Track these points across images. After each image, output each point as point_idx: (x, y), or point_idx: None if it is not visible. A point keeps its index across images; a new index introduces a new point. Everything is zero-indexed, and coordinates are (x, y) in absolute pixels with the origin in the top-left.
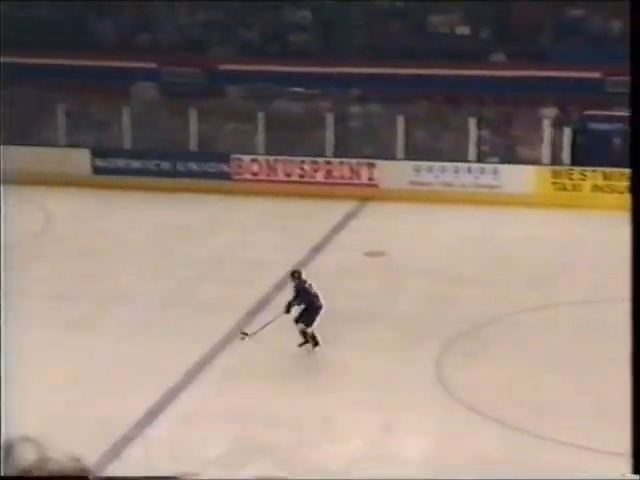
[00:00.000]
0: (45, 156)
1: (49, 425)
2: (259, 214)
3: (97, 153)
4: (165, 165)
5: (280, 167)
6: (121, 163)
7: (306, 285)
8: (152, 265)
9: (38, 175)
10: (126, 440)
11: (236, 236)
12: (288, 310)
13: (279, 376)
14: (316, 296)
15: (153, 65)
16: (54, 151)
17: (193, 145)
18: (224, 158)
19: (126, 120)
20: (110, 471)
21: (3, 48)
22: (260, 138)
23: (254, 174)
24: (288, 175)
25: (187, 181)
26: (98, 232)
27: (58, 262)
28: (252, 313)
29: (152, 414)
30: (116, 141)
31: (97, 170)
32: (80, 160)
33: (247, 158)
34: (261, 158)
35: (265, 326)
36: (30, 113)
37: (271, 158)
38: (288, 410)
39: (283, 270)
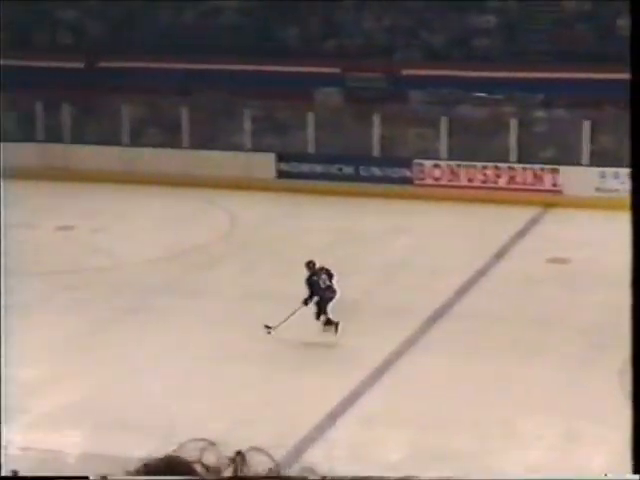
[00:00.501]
0: (231, 160)
1: (234, 426)
2: (440, 219)
3: (282, 157)
4: (348, 170)
5: (462, 172)
6: (305, 167)
7: (316, 277)
8: (333, 269)
9: (224, 179)
10: (307, 442)
11: (417, 241)
12: (306, 303)
13: (455, 381)
14: (328, 287)
15: (337, 70)
16: (240, 155)
17: (376, 150)
18: (406, 163)
19: (310, 125)
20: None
21: (190, 54)
22: (443, 143)
23: (436, 179)
24: (470, 180)
25: (369, 186)
26: (282, 235)
27: (243, 264)
28: (432, 319)
29: (333, 416)
30: (300, 146)
31: (281, 174)
32: (265, 164)
33: (429, 163)
34: (443, 163)
35: (287, 319)
36: (218, 118)
37: (453, 163)
38: (468, 415)
39: (464, 276)
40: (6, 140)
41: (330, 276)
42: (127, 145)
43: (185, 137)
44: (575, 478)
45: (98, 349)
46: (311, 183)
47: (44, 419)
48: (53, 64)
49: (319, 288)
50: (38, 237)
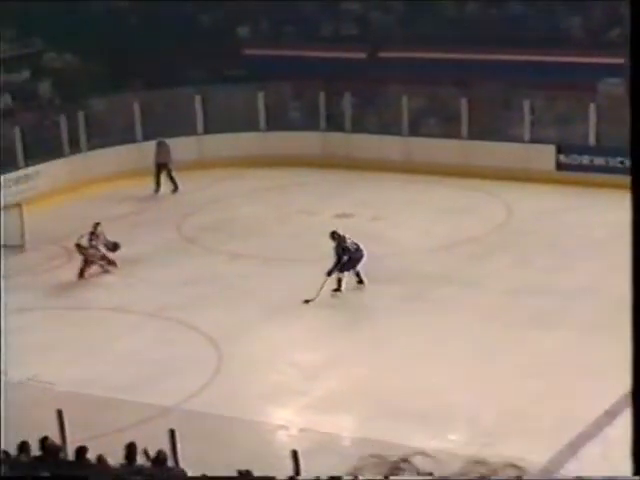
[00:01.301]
0: (510, 152)
1: (506, 417)
2: None
3: (562, 149)
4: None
5: None
6: (585, 160)
7: (345, 243)
8: (612, 263)
9: (502, 170)
10: (584, 438)
11: None
12: (329, 274)
13: None
14: (357, 249)
15: (621, 61)
16: (519, 147)
17: None
18: None
19: (592, 116)
20: (569, 470)
21: (471, 45)
22: None
23: None
24: None
25: None
26: (558, 228)
27: (518, 256)
28: None
29: (611, 414)
30: (581, 138)
31: (561, 166)
32: (544, 156)
33: None
34: None
35: (320, 290)
36: (497, 109)
37: None
38: None
39: None
40: (291, 129)
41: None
42: (406, 135)
43: (464, 128)
44: (577, 478)
45: (374, 335)
46: (591, 176)
47: (321, 402)
48: (337, 55)
49: (350, 251)
50: (317, 224)
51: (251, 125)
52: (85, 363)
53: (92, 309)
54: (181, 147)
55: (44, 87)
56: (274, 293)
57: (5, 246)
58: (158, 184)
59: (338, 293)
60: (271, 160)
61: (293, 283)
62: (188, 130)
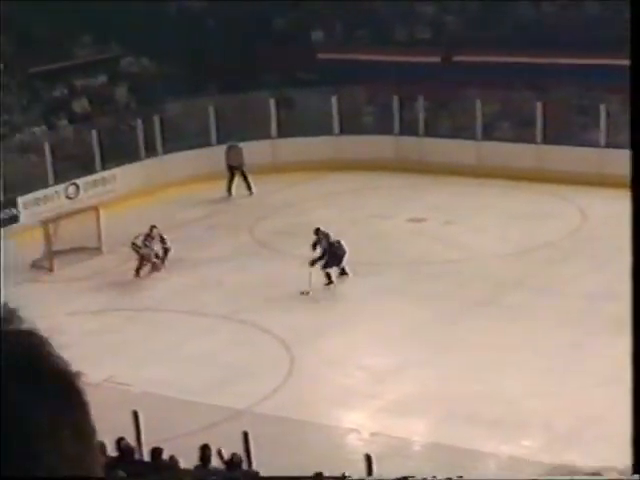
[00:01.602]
0: (585, 156)
1: (581, 423)
2: None
3: None
4: None
5: None
6: None
7: (330, 239)
8: None
9: (576, 175)
10: None
11: None
12: (313, 264)
13: None
14: (339, 246)
15: None
16: (594, 152)
17: None
18: None
19: None
20: None
21: (545, 48)
22: None
23: None
24: None
25: None
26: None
27: (593, 262)
28: None
29: None
30: None
31: None
32: (619, 161)
33: None
34: None
35: (310, 281)
36: (572, 113)
37: None
38: None
39: None
40: (364, 133)
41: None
42: (480, 139)
43: (538, 132)
44: (574, 478)
45: (446, 340)
46: None
47: (393, 406)
48: (411, 58)
49: (334, 247)
50: (390, 228)
51: (325, 129)
52: (160, 365)
53: (167, 311)
54: (255, 151)
55: (121, 91)
56: (346, 297)
57: (83, 248)
58: (230, 187)
59: (331, 286)
60: (344, 164)
61: (366, 286)
62: (262, 134)
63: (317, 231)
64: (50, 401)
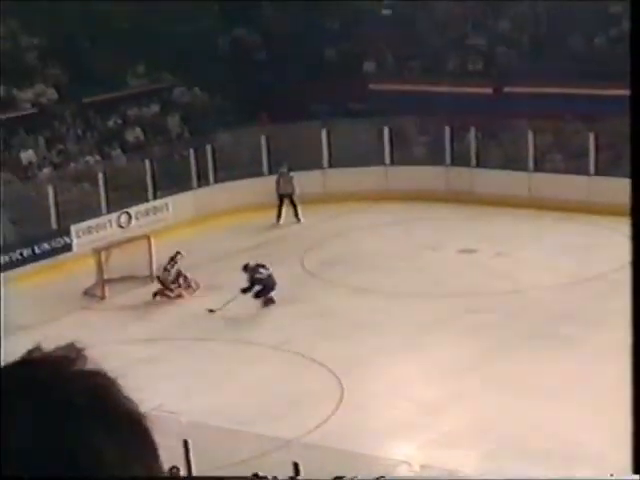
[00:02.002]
0: None
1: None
2: None
3: None
4: None
5: None
6: None
7: (257, 274)
8: None
9: (627, 206)
10: None
11: None
12: (244, 291)
13: None
14: (269, 277)
15: None
16: None
17: None
18: None
19: None
20: None
21: (597, 80)
22: None
23: None
24: None
25: None
26: None
27: None
28: None
29: None
30: None
31: None
32: None
33: None
34: None
35: (227, 304)
36: (624, 145)
37: None
38: None
39: None
40: (415, 164)
41: (266, 268)
42: (531, 171)
43: (591, 164)
44: (574, 479)
45: (496, 372)
46: None
47: (443, 438)
48: (462, 89)
49: (262, 281)
50: (441, 259)
51: (376, 159)
52: (210, 394)
53: (217, 340)
54: (306, 180)
55: (173, 121)
56: (397, 328)
57: (134, 277)
58: (279, 214)
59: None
60: (395, 194)
61: (416, 318)
62: (313, 164)
63: (245, 268)
64: (120, 440)
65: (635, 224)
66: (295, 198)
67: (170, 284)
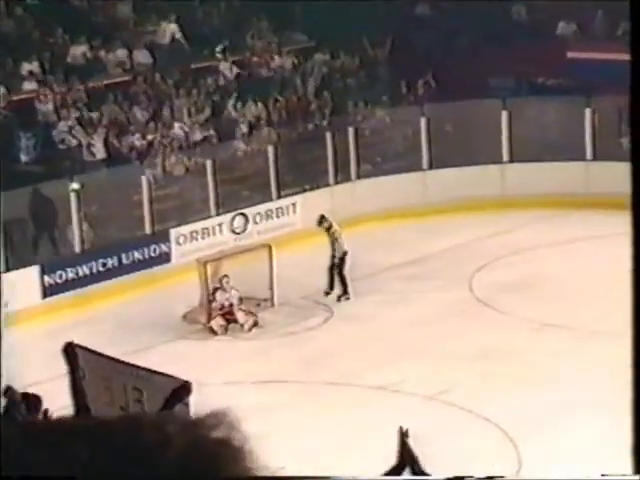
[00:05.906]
0: None
1: None
2: None
3: None
4: None
5: None
6: None
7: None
8: None
9: None
10: None
11: None
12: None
13: None
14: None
15: None
16: None
17: None
18: None
19: None
20: None
21: None
22: None
23: None
24: None
25: None
26: None
27: None
28: None
29: None
30: None
31: None
32: None
33: None
34: None
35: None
36: None
37: None
38: None
39: None
40: (625, 159)
41: None
42: None
43: None
44: (574, 479)
45: None
46: None
47: None
48: None
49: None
50: None
51: (574, 152)
52: (344, 453)
53: (355, 386)
54: (478, 178)
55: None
56: (586, 376)
57: (249, 298)
58: None
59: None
60: (596, 200)
61: (616, 363)
62: (489, 156)
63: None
64: None
65: (635, 225)
66: None
67: (217, 311)
